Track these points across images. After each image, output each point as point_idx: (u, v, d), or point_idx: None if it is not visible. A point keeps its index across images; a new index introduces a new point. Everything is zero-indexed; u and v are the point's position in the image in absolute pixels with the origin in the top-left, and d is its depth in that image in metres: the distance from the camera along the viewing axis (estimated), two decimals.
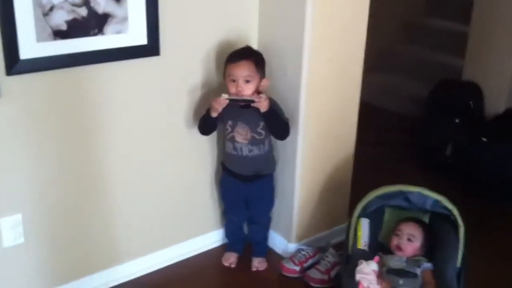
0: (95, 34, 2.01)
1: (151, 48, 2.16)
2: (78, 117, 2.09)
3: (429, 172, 3.47)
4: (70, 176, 2.15)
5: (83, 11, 1.95)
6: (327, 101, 2.45)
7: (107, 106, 2.15)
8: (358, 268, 2.02)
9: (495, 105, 3.67)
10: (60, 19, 1.91)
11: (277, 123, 2.31)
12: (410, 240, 2.21)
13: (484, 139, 3.34)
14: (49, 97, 2.00)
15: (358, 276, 1.99)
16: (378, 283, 1.99)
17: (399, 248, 2.21)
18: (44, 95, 1.99)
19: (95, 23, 1.99)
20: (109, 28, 2.03)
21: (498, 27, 3.58)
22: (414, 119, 4.03)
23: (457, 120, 3.64)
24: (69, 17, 1.93)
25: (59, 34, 1.92)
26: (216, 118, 2.27)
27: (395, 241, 2.23)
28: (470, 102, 3.69)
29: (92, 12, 1.97)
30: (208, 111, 2.28)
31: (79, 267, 2.29)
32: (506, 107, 3.63)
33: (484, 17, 3.66)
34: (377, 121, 4.10)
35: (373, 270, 2.00)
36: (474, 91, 3.72)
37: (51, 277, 2.22)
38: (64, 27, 1.93)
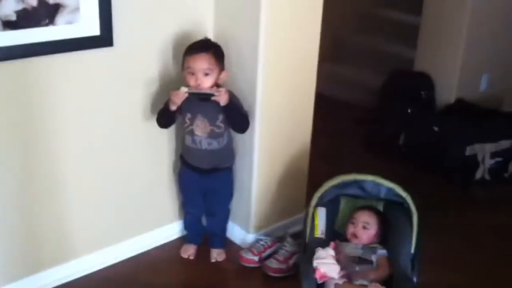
0: (46, 25, 1.96)
1: (104, 39, 2.12)
2: (28, 110, 2.04)
3: (383, 160, 3.55)
4: (20, 171, 2.10)
5: (33, 1, 1.90)
6: (284, 93, 2.47)
7: (59, 98, 2.10)
8: (316, 255, 2.06)
9: (446, 95, 3.79)
10: (9, 9, 1.85)
11: (237, 116, 2.31)
12: (365, 228, 2.26)
13: (436, 128, 3.45)
14: None
15: (315, 263, 2.03)
16: (335, 269, 2.04)
17: (354, 235, 2.26)
18: None
19: (45, 13, 1.94)
20: (60, 18, 1.98)
21: (448, 20, 3.69)
22: (367, 109, 4.11)
23: (409, 110, 3.74)
24: (19, 7, 1.87)
25: (8, 25, 1.87)
26: (174, 111, 2.25)
27: (350, 229, 2.28)
28: (422, 92, 3.80)
29: (42, 2, 1.92)
30: (166, 104, 2.26)
31: (34, 263, 2.25)
32: (457, 97, 3.76)
33: (435, 10, 3.77)
34: (331, 112, 4.15)
35: (331, 255, 2.04)
36: (426, 81, 3.84)
37: (3, 274, 2.17)
38: (13, 17, 1.87)
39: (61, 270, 2.32)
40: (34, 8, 1.91)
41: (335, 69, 4.62)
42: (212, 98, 2.19)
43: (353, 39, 4.77)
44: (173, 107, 2.23)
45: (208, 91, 2.19)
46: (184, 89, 2.17)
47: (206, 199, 2.51)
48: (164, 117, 2.31)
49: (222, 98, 2.19)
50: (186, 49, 2.24)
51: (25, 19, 1.90)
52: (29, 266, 2.24)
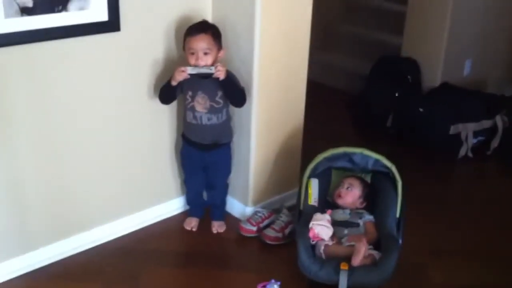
0: (59, 11, 2.13)
1: (111, 24, 2.29)
2: (43, 89, 2.21)
3: (372, 141, 3.73)
4: (32, 147, 2.25)
5: None
6: (278, 74, 2.64)
7: (71, 78, 2.27)
8: (314, 217, 2.25)
9: (431, 78, 3.97)
10: None
11: (235, 91, 2.49)
12: (349, 188, 2.47)
13: (421, 109, 3.63)
14: (16, 71, 2.11)
15: (311, 223, 2.22)
16: (327, 232, 2.23)
17: (339, 195, 2.47)
18: (11, 69, 2.10)
19: (59, 0, 2.11)
20: (72, 5, 2.16)
21: (433, 7, 3.86)
22: (357, 94, 4.28)
23: (396, 94, 3.92)
24: None
25: (25, 11, 2.04)
26: (175, 87, 2.43)
27: (336, 191, 2.50)
28: (409, 77, 3.98)
29: None
30: (169, 81, 2.43)
31: (46, 234, 2.41)
32: (442, 81, 3.94)
33: None
34: (321, 97, 4.31)
35: (327, 220, 2.24)
36: (412, 66, 4.01)
37: (16, 245, 2.34)
38: (30, 4, 2.04)
39: (73, 240, 2.50)
40: None
41: (325, 56, 4.79)
42: (213, 75, 2.37)
43: (342, 27, 4.93)
44: (174, 83, 2.41)
45: (208, 70, 2.37)
46: (188, 69, 2.35)
47: (206, 174, 2.69)
48: (166, 93, 2.48)
49: (221, 73, 2.37)
50: (186, 31, 2.41)
51: (40, 5, 2.07)
52: (45, 236, 2.41)
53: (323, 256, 2.23)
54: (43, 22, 2.10)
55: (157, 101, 2.52)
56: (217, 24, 2.51)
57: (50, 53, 2.18)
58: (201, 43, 2.36)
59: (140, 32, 2.41)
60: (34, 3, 2.05)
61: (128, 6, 2.32)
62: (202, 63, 2.37)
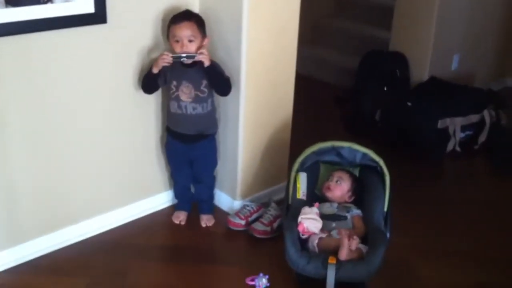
0: (44, 3, 2.11)
1: (98, 16, 2.27)
2: (28, 82, 2.19)
3: (361, 136, 3.72)
4: (19, 141, 2.23)
5: None
6: (266, 68, 2.63)
7: (57, 71, 2.25)
8: (302, 211, 2.25)
9: (419, 73, 3.98)
10: None
11: (220, 79, 2.48)
12: (338, 182, 2.47)
13: (409, 104, 3.64)
14: (0, 62, 2.09)
15: (300, 218, 2.22)
16: (316, 225, 2.23)
17: (328, 188, 2.47)
18: None
19: None
20: None
21: (421, 1, 3.87)
22: (345, 88, 4.29)
23: (385, 88, 3.93)
24: None
25: (10, 2, 2.01)
26: (158, 75, 2.42)
27: (326, 184, 2.49)
28: (397, 71, 3.99)
29: None
30: (150, 69, 2.42)
31: (33, 228, 2.40)
32: (430, 75, 3.96)
33: None
34: (310, 92, 4.33)
35: (315, 213, 2.24)
36: (400, 61, 4.02)
37: (3, 239, 2.32)
38: None
39: (60, 235, 2.48)
40: None
41: (314, 51, 4.80)
42: (196, 58, 2.36)
43: (331, 22, 4.94)
44: (155, 70, 2.40)
45: (191, 53, 2.37)
46: (170, 54, 2.35)
47: (193, 168, 2.68)
48: (147, 82, 2.46)
49: (205, 58, 2.38)
50: (170, 20, 2.41)
51: None
52: (30, 231, 2.39)
53: (316, 249, 2.23)
54: (28, 13, 2.08)
55: (144, 94, 2.51)
56: (204, 17, 2.49)
57: (35, 45, 2.16)
58: (186, 30, 2.36)
59: (127, 24, 2.39)
60: None
61: None
62: (187, 50, 2.37)
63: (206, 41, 2.46)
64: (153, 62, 2.45)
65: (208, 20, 2.50)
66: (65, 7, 2.17)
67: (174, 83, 2.46)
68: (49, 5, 2.12)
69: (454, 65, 4.18)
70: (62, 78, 2.27)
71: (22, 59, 2.14)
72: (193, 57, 2.37)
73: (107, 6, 2.27)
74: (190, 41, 2.38)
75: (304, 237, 2.27)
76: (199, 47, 2.41)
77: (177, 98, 2.48)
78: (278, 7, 2.56)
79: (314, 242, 2.25)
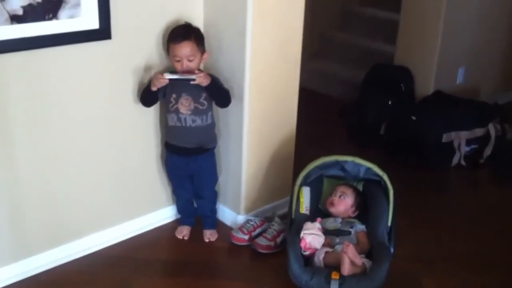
0: (49, 19, 2.13)
1: (103, 32, 2.29)
2: (32, 97, 2.20)
3: (365, 149, 3.72)
4: (24, 156, 2.24)
5: None
6: (270, 81, 2.64)
7: (61, 87, 2.26)
8: (304, 226, 2.25)
9: (424, 87, 3.98)
10: (16, 4, 2.02)
11: (220, 92, 2.50)
12: (342, 197, 2.46)
13: (414, 117, 3.64)
14: (6, 79, 2.11)
15: (302, 233, 2.22)
16: (319, 240, 2.22)
17: (332, 203, 2.46)
18: (1, 77, 2.09)
19: (49, 8, 2.11)
20: (63, 13, 2.15)
21: (426, 16, 3.88)
22: (350, 102, 4.29)
23: (390, 102, 3.93)
24: (25, 2, 2.04)
25: (15, 19, 2.03)
26: (156, 92, 2.43)
27: (329, 199, 2.48)
28: (402, 85, 3.99)
29: None
30: (148, 84, 2.44)
31: (38, 242, 2.40)
32: (435, 89, 3.96)
33: (413, 6, 3.96)
34: (315, 105, 4.33)
35: (317, 228, 2.23)
36: (405, 74, 4.02)
37: (8, 253, 2.33)
38: (20, 11, 2.04)
39: (64, 249, 2.48)
40: (39, 3, 2.07)
41: (320, 65, 4.81)
42: (192, 82, 2.37)
43: (337, 36, 4.95)
44: (154, 88, 2.41)
45: (189, 76, 2.37)
46: (167, 75, 2.36)
47: (193, 183, 2.67)
48: (147, 96, 2.47)
49: (203, 81, 2.39)
50: (170, 36, 2.42)
51: (31, 13, 2.06)
52: (34, 246, 2.40)
53: (322, 264, 2.22)
54: (34, 30, 2.10)
55: (147, 109, 2.52)
56: (208, 32, 2.51)
57: (41, 61, 2.17)
58: (186, 49, 2.38)
59: (131, 39, 2.41)
60: (25, 11, 2.05)
61: (119, 14, 2.31)
62: (187, 68, 2.39)
63: (206, 56, 2.48)
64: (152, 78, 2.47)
65: (212, 33, 2.52)
66: (70, 23, 2.19)
67: (174, 96, 2.47)
68: (54, 21, 2.14)
69: (459, 79, 4.17)
70: (67, 94, 2.29)
71: (27, 75, 2.16)
72: (191, 80, 2.38)
73: (112, 22, 2.29)
74: (190, 60, 2.39)
75: (306, 253, 2.26)
76: (199, 63, 2.44)
77: (177, 111, 2.48)
78: (282, 20, 2.57)
79: (320, 256, 2.23)
